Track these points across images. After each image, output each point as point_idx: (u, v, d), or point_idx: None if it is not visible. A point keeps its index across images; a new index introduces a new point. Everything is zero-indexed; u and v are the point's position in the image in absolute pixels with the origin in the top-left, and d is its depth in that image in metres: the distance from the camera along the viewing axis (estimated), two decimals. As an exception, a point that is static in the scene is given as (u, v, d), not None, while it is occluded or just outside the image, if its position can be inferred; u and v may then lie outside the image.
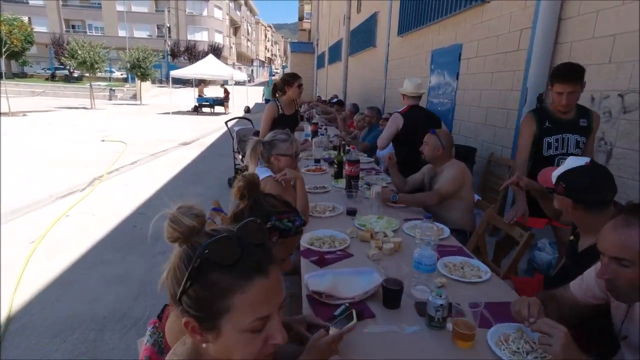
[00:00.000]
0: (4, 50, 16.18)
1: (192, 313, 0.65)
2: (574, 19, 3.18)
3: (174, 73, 17.86)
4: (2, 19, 17.01)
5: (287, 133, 2.19)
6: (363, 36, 10.69)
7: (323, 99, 15.85)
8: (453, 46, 5.34)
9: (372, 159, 4.17)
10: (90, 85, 19.91)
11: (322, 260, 1.64)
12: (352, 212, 2.27)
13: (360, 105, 7.11)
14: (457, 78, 5.21)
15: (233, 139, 5.58)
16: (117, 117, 15.12)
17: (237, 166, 5.62)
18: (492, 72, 4.38)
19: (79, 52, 18.46)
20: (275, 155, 2.13)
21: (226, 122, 5.97)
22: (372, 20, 9.71)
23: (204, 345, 0.67)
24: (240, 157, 5.46)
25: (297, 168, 2.43)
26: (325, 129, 5.70)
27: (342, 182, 2.94)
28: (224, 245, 0.65)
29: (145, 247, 3.59)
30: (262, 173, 2.10)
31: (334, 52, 16.38)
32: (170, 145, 9.33)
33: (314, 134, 5.03)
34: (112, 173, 6.39)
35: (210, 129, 12.13)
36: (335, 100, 9.22)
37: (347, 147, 3.98)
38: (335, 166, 3.07)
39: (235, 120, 6.43)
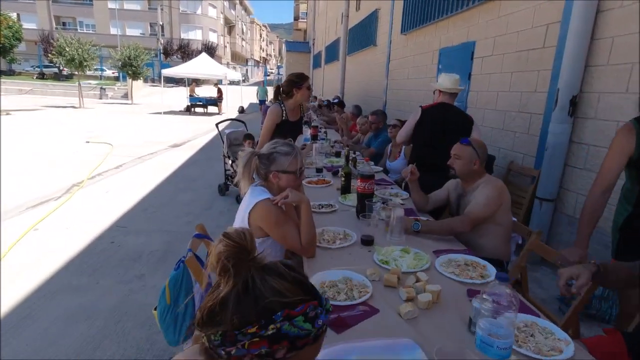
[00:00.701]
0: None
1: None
2: (615, 11, 2.78)
3: (166, 72, 17.29)
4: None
5: (291, 144, 1.75)
6: (362, 35, 10.28)
7: (320, 98, 15.42)
8: (464, 44, 4.94)
9: (381, 168, 3.74)
10: (79, 84, 19.31)
11: (340, 323, 1.20)
12: (368, 242, 1.83)
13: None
14: (469, 78, 4.80)
15: (223, 142, 5.12)
16: (106, 117, 14.54)
17: (227, 172, 5.16)
18: (511, 71, 3.98)
19: (67, 49, 17.79)
20: (275, 172, 1.69)
21: (217, 124, 5.51)
22: (372, 18, 9.31)
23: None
24: (230, 162, 5.01)
25: (301, 188, 2.00)
26: (325, 132, 5.27)
27: (351, 199, 2.51)
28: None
29: (122, 269, 3.12)
30: (258, 194, 1.66)
31: (331, 52, 15.97)
32: (159, 147, 8.83)
33: (314, 138, 4.58)
34: (94, 178, 5.89)
35: (203, 130, 11.62)
36: (336, 100, 8.78)
37: (352, 155, 3.55)
38: (343, 179, 2.63)
39: (228, 122, 5.95)
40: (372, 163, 3.85)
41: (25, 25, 38.44)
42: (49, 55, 19.01)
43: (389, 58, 8.05)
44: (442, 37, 5.61)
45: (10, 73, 33.79)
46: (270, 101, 3.31)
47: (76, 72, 19.49)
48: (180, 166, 7.02)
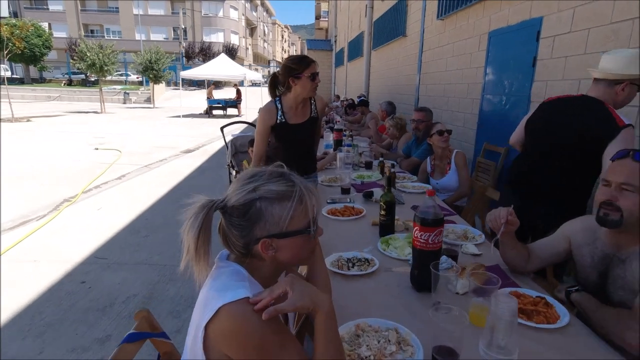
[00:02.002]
0: (6, 52, 15.58)
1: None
2: None
3: (184, 74, 16.90)
4: (0, 20, 16.53)
5: (285, 174, 0.87)
6: (389, 25, 9.29)
7: (342, 99, 14.52)
8: (525, 22, 3.91)
9: (429, 186, 2.78)
10: (100, 89, 19.31)
11: None
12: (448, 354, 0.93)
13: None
14: (534, 65, 3.78)
15: (228, 148, 4.32)
16: (124, 122, 14.22)
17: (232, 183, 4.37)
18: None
19: (88, 54, 17.74)
20: (265, 239, 0.83)
21: (222, 128, 4.71)
22: (400, 6, 8.31)
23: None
24: (234, 173, 4.21)
25: (318, 246, 1.09)
26: (351, 136, 4.36)
27: (397, 245, 1.61)
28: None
29: (83, 326, 2.35)
30: (225, 287, 0.80)
31: (354, 48, 15.02)
32: (170, 153, 8.19)
33: (337, 144, 3.69)
34: (90, 192, 5.25)
35: (218, 133, 10.95)
36: (360, 98, 7.87)
37: (389, 167, 2.64)
38: (382, 212, 1.73)
39: (239, 124, 5.13)
40: (413, 178, 2.92)
41: (56, 34, 39.89)
42: (71, 61, 19.02)
43: (421, 49, 7.05)
44: (493, 16, 4.58)
45: (41, 81, 34.86)
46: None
47: (98, 78, 19.48)
48: (188, 176, 6.31)
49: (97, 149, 8.39)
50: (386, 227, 1.74)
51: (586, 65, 3.09)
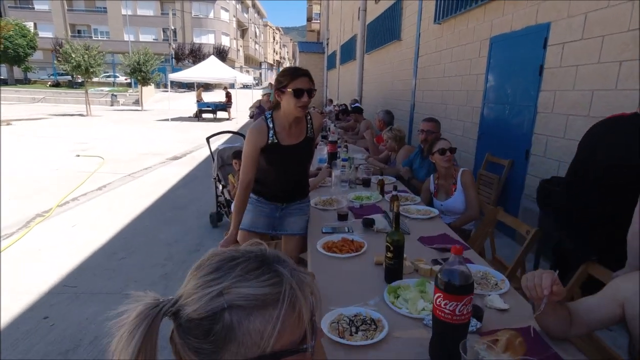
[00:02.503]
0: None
1: None
2: None
3: (173, 76, 16.50)
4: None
5: (266, 261, 0.57)
6: (384, 29, 9.08)
7: (335, 104, 14.26)
8: (531, 28, 3.70)
9: (435, 211, 2.49)
10: (86, 91, 18.79)
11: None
12: None
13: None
14: (541, 73, 3.56)
15: (214, 160, 4.02)
16: (110, 125, 13.77)
17: (219, 198, 4.07)
18: (619, 61, 2.73)
19: (73, 55, 17.20)
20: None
21: (208, 139, 4.40)
22: (395, 9, 8.10)
23: None
24: (221, 187, 3.92)
25: (322, 353, 0.81)
26: (346, 146, 4.08)
27: (408, 301, 1.33)
28: None
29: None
30: None
31: (347, 51, 14.79)
32: (156, 160, 7.84)
33: (332, 157, 3.40)
34: (66, 205, 4.89)
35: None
36: (354, 105, 7.61)
37: (391, 189, 2.37)
38: (389, 254, 1.46)
39: (222, 134, 4.79)
40: (415, 200, 2.66)
41: (42, 34, 38.95)
42: (56, 62, 18.36)
43: (417, 53, 6.83)
44: (495, 21, 4.37)
45: (25, 82, 33.93)
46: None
47: (82, 79, 18.89)
48: (173, 187, 5.97)
49: (78, 155, 7.99)
50: (393, 272, 1.46)
51: (602, 77, 2.88)
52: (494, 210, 2.37)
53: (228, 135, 5.34)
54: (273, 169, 2.02)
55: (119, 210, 4.71)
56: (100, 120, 15.83)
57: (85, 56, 17.31)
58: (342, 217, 2.19)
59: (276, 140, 1.93)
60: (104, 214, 4.58)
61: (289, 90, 1.83)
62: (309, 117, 2.06)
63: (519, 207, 3.84)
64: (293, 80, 1.82)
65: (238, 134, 4.68)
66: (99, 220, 4.38)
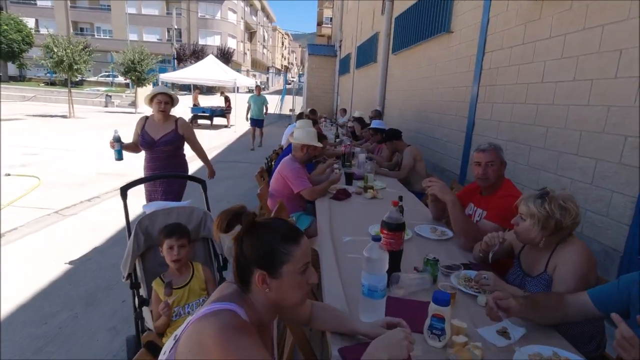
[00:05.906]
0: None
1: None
2: None
3: (164, 76, 14.52)
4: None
5: None
6: (421, 20, 7.01)
7: (349, 117, 12.09)
8: None
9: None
10: (69, 90, 16.96)
11: None
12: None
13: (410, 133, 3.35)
14: None
15: (130, 238, 1.92)
16: (85, 131, 11.80)
17: (138, 321, 1.95)
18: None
19: (55, 49, 15.34)
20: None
21: (123, 190, 2.33)
22: (441, -8, 6.02)
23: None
24: (137, 301, 1.82)
25: None
26: (401, 207, 1.97)
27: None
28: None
29: None
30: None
31: (365, 52, 12.74)
32: (111, 186, 5.77)
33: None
34: None
35: (192, 152, 8.56)
36: (382, 126, 5.46)
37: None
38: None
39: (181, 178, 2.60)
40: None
41: (44, 32, 37.48)
42: (34, 57, 16.48)
43: (482, 48, 4.72)
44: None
45: (20, 79, 32.34)
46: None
47: (68, 77, 16.98)
48: (110, 239, 3.89)
49: (8, 174, 5.95)
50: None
51: None
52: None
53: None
54: None
55: (26, 276, 2.62)
56: (79, 123, 13.92)
57: (68, 51, 15.44)
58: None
59: None
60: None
61: None
62: None
63: None
64: None
65: (197, 179, 2.55)
66: None
